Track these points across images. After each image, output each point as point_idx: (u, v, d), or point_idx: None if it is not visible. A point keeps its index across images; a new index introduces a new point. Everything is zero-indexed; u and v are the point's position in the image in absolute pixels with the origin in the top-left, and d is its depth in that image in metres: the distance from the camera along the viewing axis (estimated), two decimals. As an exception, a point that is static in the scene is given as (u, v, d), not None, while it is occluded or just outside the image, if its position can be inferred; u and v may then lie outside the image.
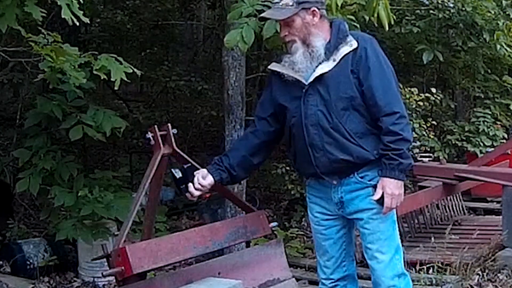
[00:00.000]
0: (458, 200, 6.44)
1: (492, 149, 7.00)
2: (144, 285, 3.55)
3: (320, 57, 3.17)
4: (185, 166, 3.48)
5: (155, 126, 3.74)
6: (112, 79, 4.09)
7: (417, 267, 4.83)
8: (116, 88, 4.19)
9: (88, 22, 3.98)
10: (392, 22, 4.27)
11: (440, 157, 6.79)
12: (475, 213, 6.83)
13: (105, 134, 4.76)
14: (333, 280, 3.42)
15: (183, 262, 4.49)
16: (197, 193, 3.38)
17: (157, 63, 9.37)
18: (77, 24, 3.66)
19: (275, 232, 4.85)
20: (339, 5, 3.93)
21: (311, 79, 3.17)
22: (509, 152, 6.78)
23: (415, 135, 6.61)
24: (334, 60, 3.16)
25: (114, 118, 4.83)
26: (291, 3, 3.17)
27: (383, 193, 3.16)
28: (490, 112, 7.60)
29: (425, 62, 6.82)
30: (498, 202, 6.50)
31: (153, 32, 9.58)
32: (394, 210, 3.29)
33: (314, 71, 3.17)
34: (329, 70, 3.15)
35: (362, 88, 3.14)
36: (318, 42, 3.18)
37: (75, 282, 5.36)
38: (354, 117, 3.16)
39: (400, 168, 3.12)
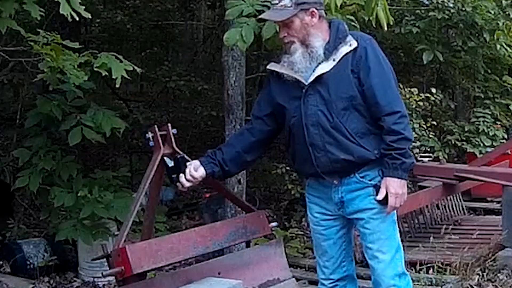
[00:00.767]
0: (458, 200, 6.44)
1: (492, 149, 7.01)
2: (144, 285, 3.55)
3: (320, 57, 3.17)
4: (178, 156, 3.49)
5: (155, 126, 3.74)
6: (113, 77, 4.09)
7: (417, 267, 4.83)
8: (117, 86, 4.19)
9: (90, 17, 3.98)
10: (391, 23, 4.27)
11: (440, 157, 6.80)
12: (475, 213, 6.83)
13: (105, 135, 4.76)
14: (332, 280, 3.42)
15: (183, 262, 4.48)
16: (187, 184, 3.38)
17: (157, 63, 9.38)
18: (77, 19, 3.64)
19: (275, 232, 4.85)
20: (338, 5, 3.93)
21: (311, 79, 3.17)
22: (509, 152, 6.78)
23: (415, 135, 6.61)
24: (333, 60, 3.16)
25: (114, 118, 4.83)
26: (289, 4, 3.16)
27: (386, 192, 3.16)
28: (490, 112, 7.60)
29: (425, 62, 6.81)
30: (498, 202, 6.50)
31: (153, 32, 9.60)
32: (395, 210, 3.29)
33: (313, 71, 3.17)
34: (329, 70, 3.15)
35: (363, 88, 3.14)
36: (317, 43, 3.18)
37: (75, 282, 5.36)
38: (355, 117, 3.16)
39: (403, 167, 3.13)
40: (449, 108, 8.29)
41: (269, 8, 3.64)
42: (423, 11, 6.79)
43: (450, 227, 5.59)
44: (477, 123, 7.51)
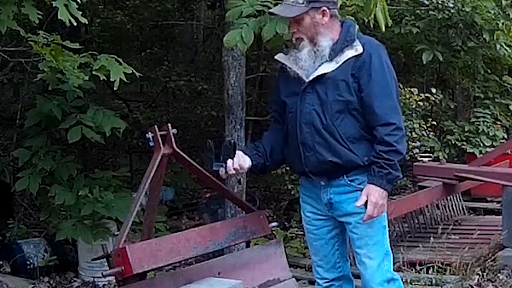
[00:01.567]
0: (458, 200, 6.44)
1: (492, 149, 7.01)
2: (144, 285, 3.55)
3: (324, 57, 3.16)
4: (232, 141, 3.38)
5: (155, 126, 3.74)
6: (111, 80, 4.09)
7: (417, 267, 4.83)
8: (115, 88, 4.20)
9: (87, 22, 3.98)
10: (389, 24, 4.26)
11: (440, 157, 6.80)
12: (475, 213, 6.83)
13: (105, 135, 4.76)
14: (327, 280, 3.42)
15: (183, 262, 4.49)
16: (232, 171, 3.30)
17: (157, 63, 9.38)
18: (75, 24, 3.65)
19: (275, 232, 4.85)
20: (338, 6, 3.92)
21: (311, 77, 3.17)
22: (509, 152, 6.78)
23: (415, 135, 6.61)
24: (337, 62, 3.14)
25: (114, 118, 4.83)
26: (301, 1, 3.15)
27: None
28: (490, 112, 7.60)
29: (425, 62, 6.81)
30: (498, 202, 6.50)
31: (153, 32, 9.60)
32: (385, 215, 3.27)
33: (315, 70, 3.17)
34: (331, 71, 3.14)
35: (361, 94, 3.12)
36: (325, 42, 3.16)
37: (75, 282, 5.36)
38: (348, 121, 3.14)
39: (388, 178, 3.11)
40: (449, 108, 8.29)
41: (269, 8, 3.64)
42: (423, 11, 6.79)
43: (450, 227, 5.59)
44: (477, 123, 7.50)
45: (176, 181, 7.34)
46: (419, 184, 6.22)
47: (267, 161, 3.37)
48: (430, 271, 4.76)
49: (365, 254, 3.24)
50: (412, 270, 4.79)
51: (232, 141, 3.42)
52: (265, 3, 3.88)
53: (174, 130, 3.73)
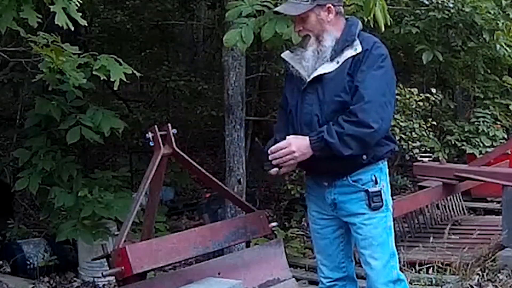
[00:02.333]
0: (458, 200, 6.44)
1: (492, 149, 7.01)
2: (144, 285, 3.55)
3: (326, 58, 3.15)
4: (256, 141, 3.38)
5: (155, 126, 3.74)
6: (111, 80, 4.09)
7: (417, 267, 4.83)
8: (115, 88, 4.20)
9: (86, 24, 3.97)
10: (389, 23, 4.26)
11: (440, 157, 6.79)
12: (475, 213, 6.83)
13: (104, 135, 4.76)
14: (331, 279, 3.41)
15: (183, 262, 4.49)
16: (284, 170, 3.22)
17: (157, 63, 9.38)
18: (72, 29, 3.63)
19: (275, 232, 4.85)
20: (340, 4, 3.92)
21: (311, 77, 3.16)
22: (509, 152, 6.78)
23: (415, 135, 6.61)
24: (337, 62, 3.13)
25: (113, 118, 4.83)
26: None
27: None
28: (490, 113, 7.60)
29: (425, 62, 6.81)
30: (498, 202, 6.51)
31: (153, 32, 9.59)
32: (390, 216, 3.27)
33: (316, 69, 3.16)
34: (330, 71, 3.13)
35: (352, 90, 3.07)
36: (329, 41, 3.15)
37: (75, 282, 5.36)
38: None
39: (320, 137, 3.02)
40: (449, 108, 8.29)
41: (269, 8, 3.64)
42: (422, 11, 6.79)
43: (450, 227, 5.59)
44: (477, 123, 7.51)
45: (176, 181, 7.34)
46: (419, 184, 6.22)
47: None
48: (430, 271, 4.76)
49: (370, 255, 3.22)
50: (412, 270, 4.79)
51: (256, 141, 3.41)
52: (264, 3, 3.88)
53: (174, 130, 3.73)
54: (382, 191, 3.19)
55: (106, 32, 9.19)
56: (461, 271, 4.75)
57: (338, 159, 3.10)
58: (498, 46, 6.89)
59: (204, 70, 10.07)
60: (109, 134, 4.79)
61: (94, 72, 4.10)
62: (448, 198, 6.26)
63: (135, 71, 4.25)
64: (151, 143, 3.67)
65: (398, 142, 6.03)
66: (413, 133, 6.56)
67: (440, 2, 6.50)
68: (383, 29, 4.22)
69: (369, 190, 3.17)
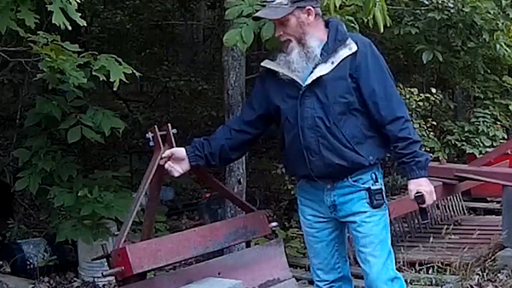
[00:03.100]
0: (458, 200, 6.45)
1: (492, 149, 7.01)
2: (144, 285, 3.55)
3: (316, 58, 3.13)
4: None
5: (155, 126, 3.74)
6: (111, 80, 4.09)
7: (417, 267, 4.84)
8: (115, 89, 4.20)
9: (85, 25, 3.96)
10: (388, 24, 4.26)
11: (440, 157, 6.79)
12: (475, 213, 6.84)
13: (104, 135, 4.76)
14: (327, 282, 3.40)
15: (183, 262, 4.49)
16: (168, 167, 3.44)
17: (157, 63, 9.38)
18: (70, 29, 3.63)
19: (275, 232, 4.85)
20: (338, 6, 3.93)
21: (309, 81, 3.13)
22: (509, 152, 6.78)
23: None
24: (332, 63, 3.11)
25: (113, 118, 4.82)
26: (285, 2, 3.12)
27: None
28: (490, 113, 7.60)
29: (424, 62, 6.81)
30: (498, 202, 6.51)
31: (153, 32, 9.60)
32: (387, 214, 3.28)
33: (312, 72, 3.13)
34: (327, 73, 3.11)
35: (362, 95, 3.11)
36: (313, 42, 3.14)
37: (75, 282, 5.36)
38: (351, 122, 3.13)
39: (419, 165, 3.14)
40: (449, 108, 8.29)
41: (269, 8, 3.62)
42: (422, 12, 6.79)
43: (450, 227, 5.60)
44: (477, 123, 7.51)
45: (176, 181, 7.34)
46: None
47: (211, 161, 3.39)
48: (430, 271, 4.76)
49: (370, 253, 3.23)
50: (412, 270, 4.80)
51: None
52: (264, 3, 3.87)
53: (174, 130, 3.73)
54: (382, 189, 3.20)
55: (106, 32, 9.19)
56: (461, 271, 4.75)
57: (345, 162, 3.12)
58: (498, 46, 6.88)
59: (204, 70, 10.07)
60: (109, 134, 4.79)
61: (94, 73, 4.10)
62: (448, 198, 6.26)
63: (135, 71, 4.25)
64: (151, 143, 3.67)
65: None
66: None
67: (440, 2, 6.49)
68: (382, 29, 4.22)
69: (371, 188, 3.18)
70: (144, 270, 3.47)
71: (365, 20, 4.23)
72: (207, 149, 3.37)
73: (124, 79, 4.11)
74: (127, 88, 9.37)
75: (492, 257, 5.09)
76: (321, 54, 3.13)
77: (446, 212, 6.26)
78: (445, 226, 5.49)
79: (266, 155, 8.27)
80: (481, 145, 7.32)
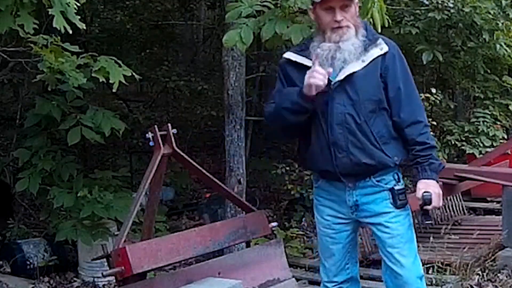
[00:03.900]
0: (458, 200, 6.44)
1: (492, 149, 7.01)
2: (144, 285, 3.55)
3: (355, 55, 3.08)
4: None
5: (155, 126, 3.75)
6: (110, 81, 4.09)
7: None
8: (114, 90, 4.20)
9: (85, 28, 3.96)
10: (386, 24, 4.26)
11: (440, 157, 6.79)
12: (475, 213, 6.83)
13: (104, 135, 4.76)
14: (336, 283, 3.37)
15: (183, 262, 4.49)
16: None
17: (157, 63, 9.38)
18: (70, 32, 3.63)
19: (275, 232, 4.86)
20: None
21: (341, 76, 3.08)
22: (509, 152, 6.78)
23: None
24: (363, 61, 3.08)
25: (113, 119, 4.83)
26: None
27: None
28: (490, 113, 7.60)
29: (424, 62, 6.81)
30: (498, 202, 6.50)
31: (153, 32, 9.60)
32: (411, 213, 3.27)
33: (342, 68, 3.08)
34: (359, 70, 3.08)
35: (388, 94, 3.11)
36: (361, 37, 3.09)
37: (75, 282, 5.36)
38: (380, 121, 3.11)
39: (432, 167, 3.13)
40: (449, 108, 8.29)
41: (269, 8, 3.63)
42: (422, 12, 6.79)
43: (450, 227, 5.59)
44: (477, 123, 7.50)
45: (176, 181, 7.34)
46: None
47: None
48: (430, 271, 4.75)
49: (399, 252, 3.19)
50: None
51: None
52: (264, 4, 3.88)
53: (174, 130, 3.73)
54: (405, 189, 3.20)
55: (106, 32, 9.19)
56: (461, 271, 4.75)
57: (372, 161, 3.11)
58: (498, 46, 6.88)
59: (204, 70, 10.07)
60: (109, 134, 4.79)
61: (93, 74, 4.10)
62: (448, 198, 6.26)
63: (134, 74, 4.25)
64: (151, 143, 3.67)
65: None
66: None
67: (440, 2, 6.49)
68: (379, 29, 4.21)
69: (395, 188, 3.16)
70: (144, 270, 3.47)
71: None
72: None
73: (123, 81, 4.11)
74: (127, 88, 9.35)
75: (492, 257, 5.09)
76: (353, 52, 3.09)
77: (446, 212, 6.25)
78: (445, 226, 5.49)
79: (266, 155, 8.27)
80: (481, 145, 7.31)
